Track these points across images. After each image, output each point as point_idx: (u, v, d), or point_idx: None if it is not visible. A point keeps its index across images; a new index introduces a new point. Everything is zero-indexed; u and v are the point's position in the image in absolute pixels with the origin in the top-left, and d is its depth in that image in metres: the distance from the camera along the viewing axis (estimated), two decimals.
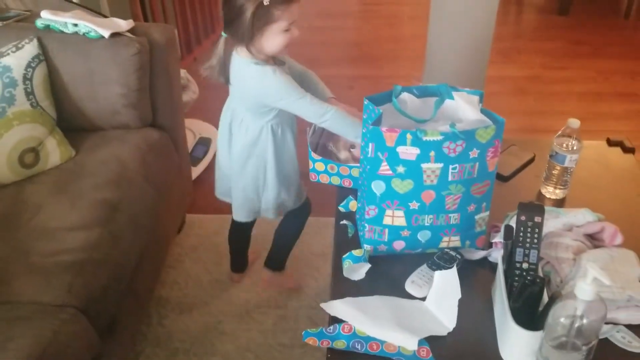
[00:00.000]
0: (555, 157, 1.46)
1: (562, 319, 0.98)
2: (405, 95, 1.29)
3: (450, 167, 1.19)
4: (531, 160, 1.65)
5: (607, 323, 1.13)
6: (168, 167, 1.88)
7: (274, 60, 1.54)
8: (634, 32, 4.02)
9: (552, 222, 1.32)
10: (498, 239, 1.36)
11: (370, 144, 1.18)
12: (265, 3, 1.36)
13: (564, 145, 1.44)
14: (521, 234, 1.15)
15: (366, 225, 1.29)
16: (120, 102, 1.80)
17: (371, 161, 1.20)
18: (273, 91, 1.48)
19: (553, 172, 1.48)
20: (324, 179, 1.54)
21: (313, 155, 1.51)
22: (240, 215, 1.77)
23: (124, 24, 1.83)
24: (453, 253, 1.31)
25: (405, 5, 4.30)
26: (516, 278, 1.16)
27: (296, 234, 1.94)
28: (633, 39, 3.90)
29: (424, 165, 1.19)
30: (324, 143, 1.58)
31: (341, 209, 1.49)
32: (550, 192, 1.51)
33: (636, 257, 1.29)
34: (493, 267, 1.32)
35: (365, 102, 1.23)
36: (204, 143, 2.60)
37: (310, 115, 1.50)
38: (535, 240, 1.15)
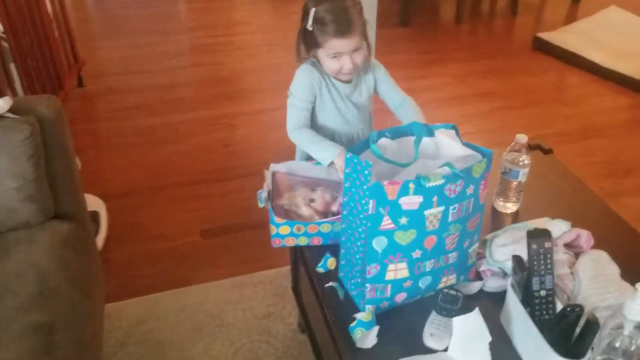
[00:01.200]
0: (509, 174, 1.49)
1: (614, 343, 0.98)
2: (383, 140, 1.23)
3: (451, 208, 1.15)
4: None
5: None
6: (89, 263, 1.61)
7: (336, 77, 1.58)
8: (468, 36, 4.37)
9: None
10: (485, 266, 1.35)
11: (370, 201, 1.10)
12: (309, 28, 1.47)
13: (517, 161, 1.48)
14: (535, 262, 1.14)
15: (367, 285, 1.20)
16: (17, 197, 1.50)
17: (372, 218, 1.12)
18: (293, 80, 1.60)
19: (509, 188, 1.51)
20: (290, 242, 1.42)
21: (276, 219, 1.38)
22: None
23: (1, 103, 1.53)
24: (454, 292, 1.27)
25: (256, 33, 4.25)
26: (537, 307, 1.15)
27: None
28: (469, 41, 4.25)
29: (427, 212, 1.13)
30: (279, 204, 1.45)
31: (320, 270, 1.38)
32: (506, 207, 1.54)
33: (608, 256, 1.35)
34: (491, 296, 1.31)
35: (348, 155, 1.15)
36: (93, 218, 2.30)
37: (288, 120, 1.59)
38: (549, 266, 1.14)
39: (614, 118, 3.12)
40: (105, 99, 3.32)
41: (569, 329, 1.07)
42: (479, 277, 1.35)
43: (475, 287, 1.31)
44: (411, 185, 1.09)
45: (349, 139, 1.69)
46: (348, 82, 1.61)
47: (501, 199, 1.54)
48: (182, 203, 2.47)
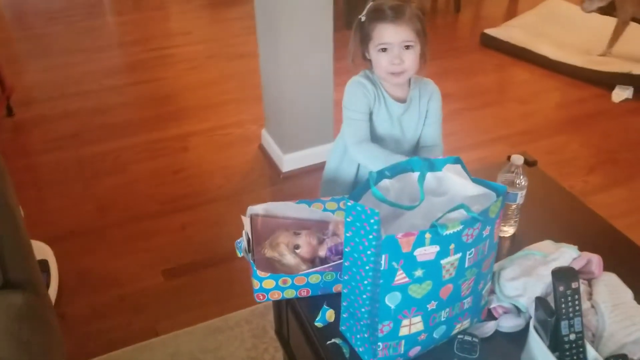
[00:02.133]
0: (507, 197, 1.39)
1: None
2: (384, 182, 1.09)
3: (467, 253, 1.03)
4: None
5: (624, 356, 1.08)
6: (50, 338, 1.39)
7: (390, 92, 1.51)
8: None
9: (547, 270, 1.23)
10: (495, 303, 1.24)
11: (383, 256, 0.97)
12: (362, 19, 1.43)
13: (515, 183, 1.38)
14: (563, 305, 1.03)
15: (380, 344, 1.07)
16: None
17: (385, 274, 0.98)
18: (344, 95, 1.52)
19: (507, 211, 1.41)
20: (275, 295, 1.26)
21: (259, 273, 1.22)
22: None
23: None
24: (469, 338, 1.15)
25: (197, 44, 4.02)
26: (567, 352, 1.05)
27: None
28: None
29: (443, 261, 1.01)
30: (261, 254, 1.29)
31: (318, 324, 1.23)
32: (504, 231, 1.45)
33: (618, 279, 1.27)
34: (507, 337, 1.20)
35: (350, 204, 1.00)
36: (42, 268, 2.06)
37: (347, 135, 1.52)
38: (577, 307, 1.04)
39: (571, 112, 3.12)
40: (38, 129, 3.03)
41: None
42: (490, 314, 1.24)
43: (489, 328, 1.20)
44: (427, 235, 0.96)
45: None
46: (402, 101, 1.51)
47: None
48: (136, 241, 2.26)
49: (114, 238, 2.27)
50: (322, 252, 1.30)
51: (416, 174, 1.12)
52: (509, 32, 3.79)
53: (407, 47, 1.41)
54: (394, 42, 1.40)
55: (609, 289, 1.23)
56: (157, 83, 3.49)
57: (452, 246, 1.00)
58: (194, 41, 4.08)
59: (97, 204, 2.46)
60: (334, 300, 1.25)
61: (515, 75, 3.59)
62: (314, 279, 1.24)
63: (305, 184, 2.55)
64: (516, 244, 1.43)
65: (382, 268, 0.98)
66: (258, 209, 1.37)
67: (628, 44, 3.51)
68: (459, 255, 1.02)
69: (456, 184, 1.10)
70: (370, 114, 1.51)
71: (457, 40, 4.04)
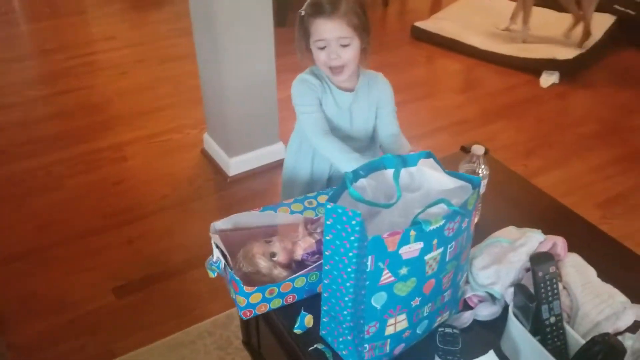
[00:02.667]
0: None
1: None
2: (361, 181, 1.08)
3: (448, 247, 1.03)
4: None
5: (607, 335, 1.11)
6: None
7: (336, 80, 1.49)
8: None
9: (516, 256, 1.26)
10: (470, 292, 1.26)
11: (369, 257, 0.95)
12: (301, 13, 1.41)
13: (477, 173, 1.40)
14: (543, 290, 1.06)
15: (366, 345, 1.05)
16: None
17: (371, 275, 0.97)
18: (292, 95, 1.51)
19: None
20: (262, 308, 1.21)
21: (246, 289, 1.17)
22: None
23: None
24: (450, 330, 1.15)
25: (123, 48, 3.85)
26: (548, 335, 1.07)
27: None
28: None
29: (427, 257, 1.00)
30: (238, 269, 1.24)
31: (297, 331, 1.19)
32: None
33: (581, 258, 1.32)
34: (485, 325, 1.21)
35: (330, 206, 0.98)
36: None
37: (308, 131, 1.49)
38: (556, 291, 1.07)
39: (504, 99, 3.22)
40: None
41: (596, 358, 0.99)
42: (465, 304, 1.25)
43: (467, 318, 1.21)
44: (412, 233, 0.95)
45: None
46: (349, 90, 1.51)
47: None
48: (81, 260, 2.14)
49: (57, 258, 2.14)
50: (298, 254, 1.27)
51: (389, 171, 1.12)
52: (438, 24, 3.88)
53: (344, 45, 1.40)
54: (330, 39, 1.39)
55: (576, 270, 1.27)
56: (85, 91, 3.33)
57: (435, 241, 0.99)
58: (119, 46, 3.91)
59: (34, 224, 2.31)
60: (310, 305, 1.22)
61: (448, 66, 3.67)
62: (300, 282, 1.22)
63: (255, 187, 2.50)
64: (480, 232, 1.44)
65: (368, 269, 0.96)
66: (222, 224, 1.31)
67: (545, 29, 3.68)
68: (441, 249, 1.02)
69: (432, 178, 1.10)
70: (320, 101, 1.51)
71: (388, 35, 4.09)
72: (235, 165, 2.55)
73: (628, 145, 2.81)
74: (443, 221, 0.98)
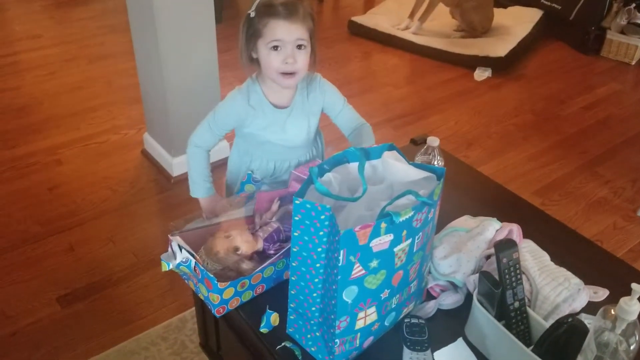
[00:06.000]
0: None
1: (602, 344, 0.96)
2: (327, 175, 1.06)
3: (416, 237, 1.04)
4: None
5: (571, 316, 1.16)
6: None
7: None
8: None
9: (475, 244, 1.29)
10: (432, 282, 1.28)
11: (341, 251, 0.94)
12: (251, 14, 1.33)
13: (432, 164, 1.42)
14: (507, 276, 1.08)
15: (337, 340, 1.05)
16: None
17: (342, 269, 0.96)
18: (221, 102, 1.50)
19: None
20: (235, 303, 1.21)
21: (220, 285, 1.14)
22: None
23: None
24: (415, 320, 1.17)
25: (50, 47, 3.66)
26: (512, 320, 1.10)
27: None
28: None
29: (396, 249, 1.01)
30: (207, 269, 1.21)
31: (264, 330, 1.17)
32: None
33: (535, 244, 1.36)
34: (449, 314, 1.24)
35: (298, 202, 0.97)
36: None
37: (196, 131, 1.52)
38: (519, 277, 1.10)
39: (442, 92, 3.29)
40: None
41: (561, 339, 1.03)
42: (428, 294, 1.27)
43: (431, 307, 1.23)
44: (383, 225, 0.96)
45: (295, 165, 1.53)
46: (284, 107, 1.45)
47: None
48: (20, 270, 2.02)
49: None
50: (260, 245, 1.25)
51: (352, 165, 1.11)
52: (374, 19, 3.91)
53: (300, 46, 1.34)
54: (288, 40, 1.32)
55: (532, 255, 1.31)
56: (11, 93, 3.14)
57: (404, 233, 1.00)
58: (46, 45, 3.71)
59: None
60: (275, 303, 1.21)
61: (386, 61, 3.71)
62: (269, 272, 1.23)
63: None
64: (437, 223, 1.47)
65: (340, 264, 0.95)
66: (180, 224, 1.28)
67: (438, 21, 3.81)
68: (409, 240, 1.02)
69: (397, 170, 1.10)
70: (243, 124, 1.47)
71: (326, 30, 4.09)
72: (178, 164, 2.47)
73: (561, 134, 2.94)
74: (412, 212, 0.98)
